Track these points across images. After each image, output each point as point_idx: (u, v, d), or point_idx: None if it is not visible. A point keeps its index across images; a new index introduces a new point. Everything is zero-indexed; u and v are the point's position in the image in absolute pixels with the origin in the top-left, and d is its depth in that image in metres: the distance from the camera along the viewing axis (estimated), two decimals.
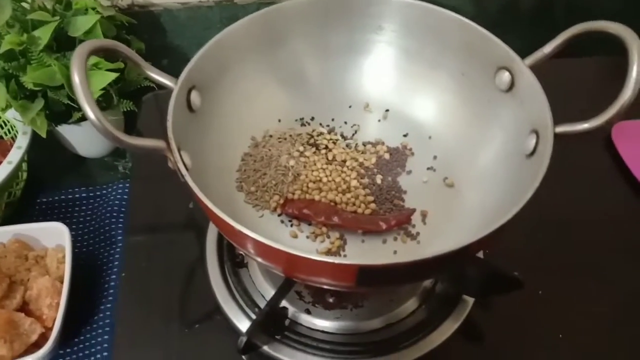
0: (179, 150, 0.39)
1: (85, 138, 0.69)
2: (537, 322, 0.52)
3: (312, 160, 0.54)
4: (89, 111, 0.36)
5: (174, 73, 0.45)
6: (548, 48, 0.46)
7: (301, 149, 0.54)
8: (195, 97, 0.46)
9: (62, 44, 0.61)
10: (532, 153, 0.43)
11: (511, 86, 0.48)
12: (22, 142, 0.62)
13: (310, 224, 0.50)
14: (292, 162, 0.53)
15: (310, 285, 0.50)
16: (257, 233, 0.35)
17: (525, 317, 0.52)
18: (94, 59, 0.59)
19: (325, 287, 0.43)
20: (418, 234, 0.49)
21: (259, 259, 0.39)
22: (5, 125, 0.70)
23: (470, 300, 0.50)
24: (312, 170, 0.53)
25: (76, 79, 0.36)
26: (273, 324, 0.48)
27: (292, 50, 0.53)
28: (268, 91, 0.54)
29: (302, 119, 0.58)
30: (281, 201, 0.51)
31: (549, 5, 0.78)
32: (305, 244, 0.49)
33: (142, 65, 0.43)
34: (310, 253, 0.34)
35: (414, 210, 0.50)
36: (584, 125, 0.41)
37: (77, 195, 0.69)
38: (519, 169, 0.45)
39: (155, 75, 0.44)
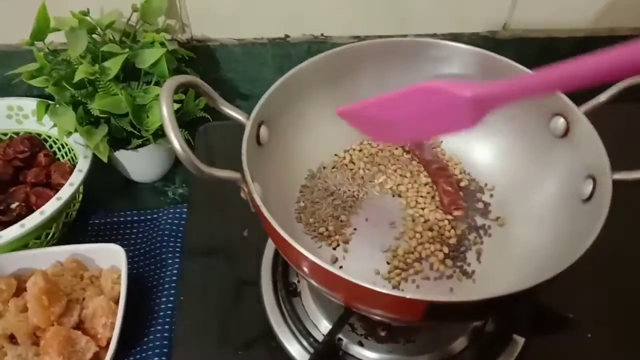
0: (252, 182, 0.41)
1: (140, 164, 0.72)
2: None
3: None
4: (175, 142, 0.38)
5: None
6: (604, 97, 0.48)
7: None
8: (263, 131, 0.48)
9: (128, 74, 0.64)
10: (589, 198, 0.44)
11: (566, 132, 0.49)
12: (83, 166, 0.65)
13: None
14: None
15: (363, 318, 0.51)
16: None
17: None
18: (156, 90, 0.63)
19: (387, 320, 0.44)
20: (474, 272, 0.50)
21: (322, 287, 0.41)
22: (63, 147, 0.73)
23: (521, 341, 0.51)
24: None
25: (165, 111, 0.38)
26: (329, 355, 0.49)
27: (353, 90, 0.55)
28: (328, 127, 0.56)
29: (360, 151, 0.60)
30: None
31: (589, 50, 0.80)
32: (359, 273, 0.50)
33: (217, 100, 0.46)
34: (379, 286, 0.35)
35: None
36: None
37: (129, 219, 0.71)
38: (574, 213, 0.46)
39: (228, 110, 0.46)
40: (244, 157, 0.43)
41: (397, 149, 0.61)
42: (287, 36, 0.73)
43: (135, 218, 0.71)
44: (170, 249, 0.66)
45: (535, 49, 0.76)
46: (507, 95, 0.35)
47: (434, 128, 0.42)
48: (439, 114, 0.39)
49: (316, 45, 0.73)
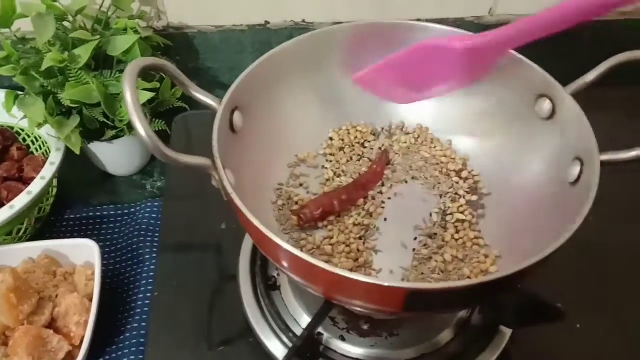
0: (224, 169, 0.39)
1: (116, 156, 0.70)
2: (574, 357, 0.51)
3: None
4: (140, 127, 0.36)
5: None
6: (591, 76, 0.46)
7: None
8: (237, 118, 0.46)
9: (100, 62, 0.62)
10: (576, 181, 0.43)
11: (552, 114, 0.48)
12: (55, 158, 0.63)
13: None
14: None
15: (344, 311, 0.49)
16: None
17: (563, 351, 0.51)
18: None
19: (367, 311, 0.42)
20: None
21: (300, 279, 0.39)
22: (37, 140, 0.70)
23: (508, 332, 0.49)
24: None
25: (128, 96, 0.36)
26: (308, 350, 0.47)
27: (332, 74, 0.54)
28: (306, 113, 0.54)
29: (342, 140, 0.58)
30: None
31: (576, 33, 0.78)
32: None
33: (188, 85, 0.44)
34: (356, 274, 0.33)
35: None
36: (632, 153, 0.40)
37: (105, 213, 0.69)
38: (561, 197, 0.44)
39: (200, 95, 0.44)
40: (214, 143, 0.41)
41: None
42: (267, 22, 0.71)
43: (112, 212, 0.69)
44: (148, 244, 0.64)
45: None
46: (502, 42, 0.39)
47: (439, 83, 0.45)
48: (441, 69, 0.43)
49: (298, 31, 0.71)
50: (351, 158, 0.57)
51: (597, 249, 0.57)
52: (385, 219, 0.52)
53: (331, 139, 0.58)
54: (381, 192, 0.54)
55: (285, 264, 0.38)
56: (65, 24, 0.62)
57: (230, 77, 0.76)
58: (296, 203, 0.53)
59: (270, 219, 0.51)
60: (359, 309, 0.39)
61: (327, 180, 0.55)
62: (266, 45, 0.73)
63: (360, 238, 0.50)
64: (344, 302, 0.39)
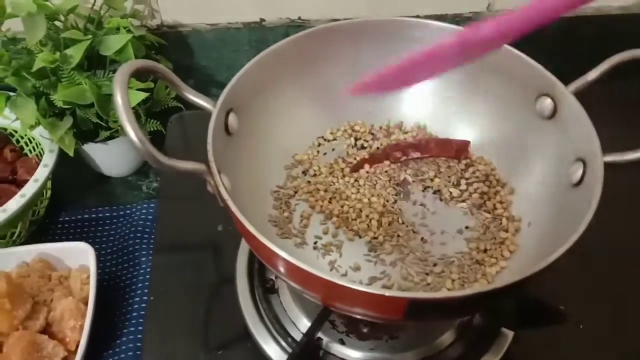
0: (219, 174, 0.38)
1: (111, 157, 0.69)
2: (577, 358, 0.50)
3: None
4: (131, 131, 0.35)
5: (201, 94, 0.44)
6: (592, 75, 0.45)
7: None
8: (232, 119, 0.45)
9: (93, 62, 0.61)
10: (579, 182, 0.42)
11: (554, 113, 0.47)
12: (48, 160, 0.62)
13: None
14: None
15: (344, 314, 0.49)
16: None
17: (566, 353, 0.50)
18: None
19: (368, 319, 0.41)
20: None
21: (298, 287, 0.38)
22: (31, 142, 0.69)
23: (510, 334, 0.48)
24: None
25: (119, 98, 0.35)
26: (308, 356, 0.46)
27: (329, 73, 0.53)
28: (303, 113, 0.54)
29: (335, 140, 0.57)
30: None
31: (575, 29, 0.77)
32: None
33: (180, 87, 0.43)
34: (356, 284, 0.33)
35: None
36: (636, 154, 0.39)
37: (101, 215, 0.68)
38: (564, 199, 0.43)
39: (193, 97, 0.43)
40: (209, 147, 0.40)
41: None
42: (262, 20, 0.70)
43: (107, 214, 0.68)
44: (144, 246, 0.63)
45: None
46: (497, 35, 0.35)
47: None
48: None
49: (294, 29, 0.70)
50: None
51: (599, 249, 0.56)
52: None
53: (328, 140, 0.57)
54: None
55: (282, 270, 0.37)
56: (57, 23, 0.61)
57: (226, 76, 0.75)
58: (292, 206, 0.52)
59: (267, 222, 0.50)
60: (360, 316, 0.38)
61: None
62: (262, 43, 0.71)
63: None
64: (342, 310, 0.38)
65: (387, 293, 0.32)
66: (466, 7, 0.71)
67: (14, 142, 0.70)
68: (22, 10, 0.56)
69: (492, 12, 0.71)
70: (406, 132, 0.57)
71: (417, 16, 0.70)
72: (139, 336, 0.55)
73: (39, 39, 0.56)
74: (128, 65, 0.37)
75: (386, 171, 0.54)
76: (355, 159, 0.56)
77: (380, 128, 0.58)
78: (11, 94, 0.61)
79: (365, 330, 0.48)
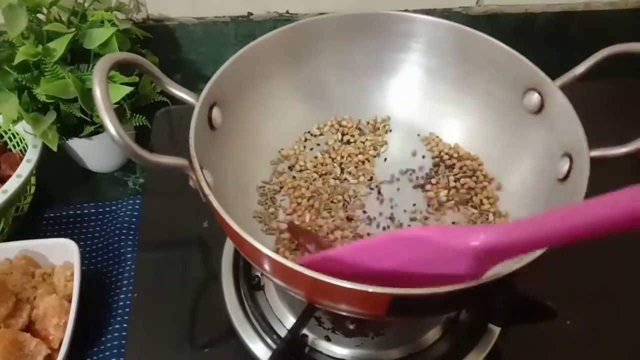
0: (201, 169, 0.38)
1: (96, 152, 0.68)
2: (565, 355, 0.50)
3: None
4: (110, 125, 0.34)
5: (188, 88, 0.44)
6: (580, 69, 0.45)
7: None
8: (216, 114, 0.45)
9: (77, 56, 0.60)
10: (565, 177, 0.42)
11: (541, 108, 0.46)
12: (32, 156, 0.61)
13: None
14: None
15: (330, 311, 0.48)
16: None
17: (553, 348, 0.50)
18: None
19: (351, 315, 0.41)
20: None
21: (282, 283, 0.38)
22: (15, 137, 0.68)
23: (497, 330, 0.48)
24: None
25: (97, 92, 0.34)
26: (293, 352, 0.46)
27: (315, 67, 0.52)
28: (289, 108, 0.53)
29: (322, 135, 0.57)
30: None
31: (564, 25, 0.77)
32: None
33: (163, 81, 0.42)
34: (338, 280, 0.32)
35: None
36: (622, 150, 0.39)
37: (86, 211, 0.67)
38: (550, 194, 0.43)
39: (176, 90, 0.43)
40: (191, 142, 0.39)
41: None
42: (250, 14, 0.69)
43: (92, 210, 0.67)
44: (129, 242, 0.63)
45: (511, 25, 0.74)
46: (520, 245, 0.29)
47: (427, 279, 0.33)
48: (431, 265, 0.32)
49: (282, 23, 0.69)
50: None
51: (585, 244, 0.56)
52: (365, 212, 0.52)
53: (314, 135, 0.57)
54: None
55: (265, 266, 0.37)
56: (39, 16, 0.60)
57: (213, 70, 0.72)
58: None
59: (252, 218, 0.50)
60: (343, 312, 0.37)
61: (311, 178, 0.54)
62: (250, 37, 0.70)
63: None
64: (326, 306, 0.38)
65: (371, 289, 0.31)
66: (456, 2, 0.71)
67: None
68: (2, 2, 0.55)
69: (482, 6, 0.71)
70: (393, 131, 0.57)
71: (406, 10, 0.69)
72: (124, 333, 0.54)
73: (20, 31, 0.55)
74: (108, 58, 0.36)
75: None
76: (341, 155, 0.55)
77: (368, 123, 0.57)
78: None
79: (351, 326, 0.48)
